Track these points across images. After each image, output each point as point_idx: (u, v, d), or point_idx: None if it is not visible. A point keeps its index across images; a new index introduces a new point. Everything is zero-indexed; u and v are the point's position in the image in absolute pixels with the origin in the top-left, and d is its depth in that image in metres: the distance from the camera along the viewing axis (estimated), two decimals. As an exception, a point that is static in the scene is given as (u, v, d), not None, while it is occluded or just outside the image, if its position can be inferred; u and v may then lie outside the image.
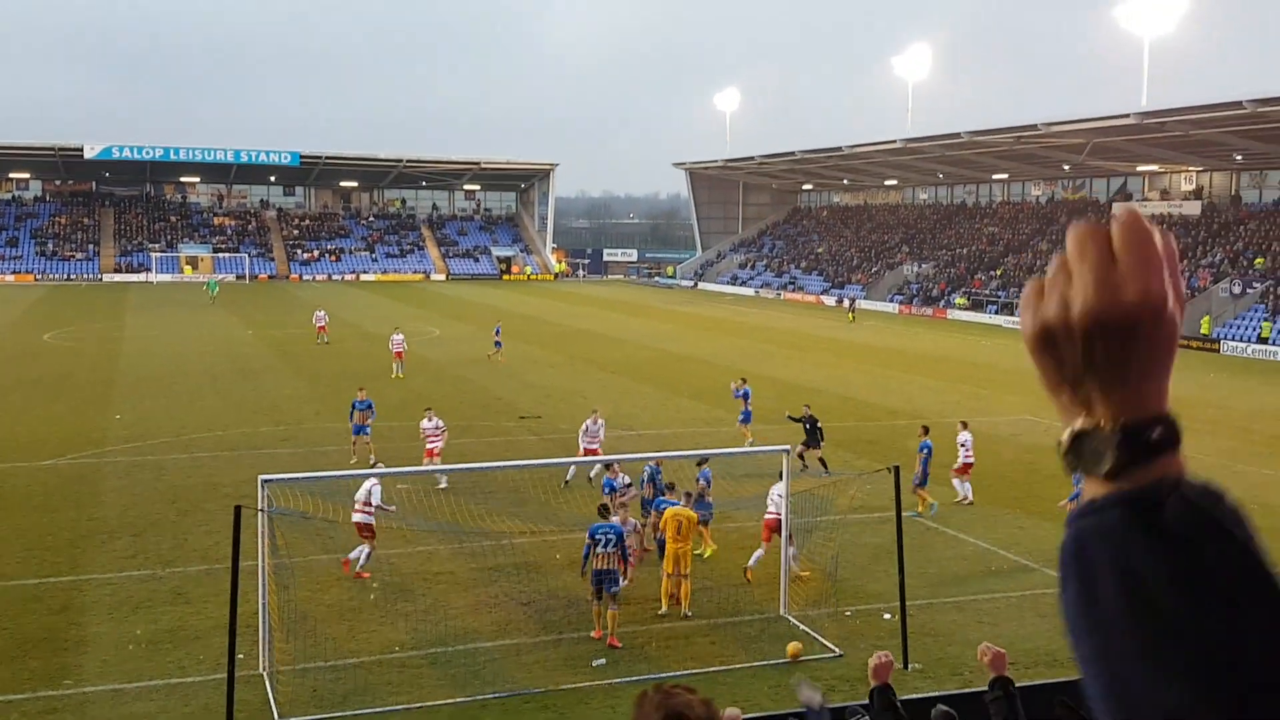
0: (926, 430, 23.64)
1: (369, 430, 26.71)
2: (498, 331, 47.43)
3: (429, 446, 24.81)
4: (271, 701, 13.45)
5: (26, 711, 13.32)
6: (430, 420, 25.24)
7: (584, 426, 25.28)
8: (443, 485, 22.85)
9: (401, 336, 42.09)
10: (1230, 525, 1.06)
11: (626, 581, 16.71)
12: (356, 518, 18.30)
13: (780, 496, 17.91)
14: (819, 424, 26.69)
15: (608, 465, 21.13)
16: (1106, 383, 1.14)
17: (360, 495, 18.41)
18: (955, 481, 23.99)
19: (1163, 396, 1.16)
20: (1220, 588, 1.03)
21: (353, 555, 18.19)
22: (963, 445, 24.00)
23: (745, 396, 29.74)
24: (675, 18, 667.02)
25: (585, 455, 23.78)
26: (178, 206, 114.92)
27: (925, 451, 22.92)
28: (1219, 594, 1.03)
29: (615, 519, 16.47)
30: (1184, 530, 1.06)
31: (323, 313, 54.15)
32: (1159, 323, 1.13)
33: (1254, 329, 59.02)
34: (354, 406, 27.11)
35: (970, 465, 24.06)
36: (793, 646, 15.27)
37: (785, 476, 17.95)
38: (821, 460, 25.98)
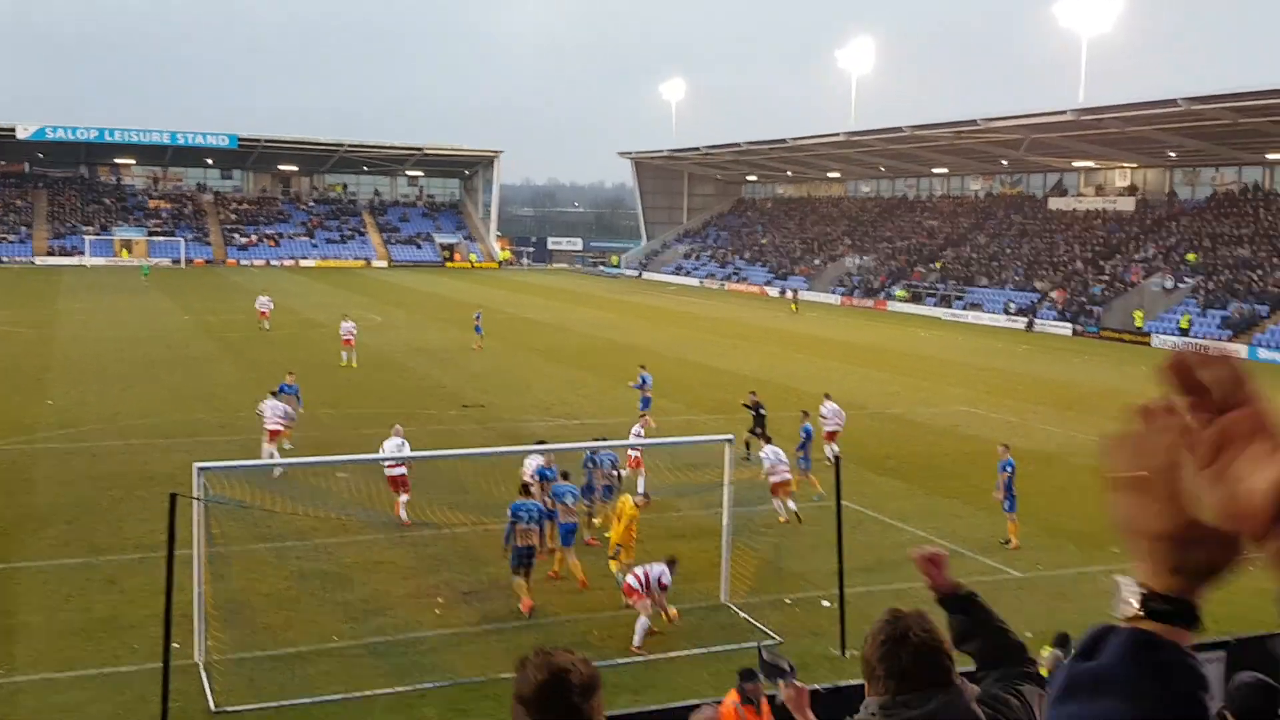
0: (806, 414, 25.05)
1: (293, 418, 26.42)
2: (478, 318, 47.97)
3: (390, 474, 21.34)
4: (207, 691, 13.29)
5: (-46, 702, 13.05)
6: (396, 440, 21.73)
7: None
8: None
9: (352, 324, 41.74)
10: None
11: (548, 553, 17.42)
12: (393, 472, 20.79)
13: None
14: (763, 410, 27.01)
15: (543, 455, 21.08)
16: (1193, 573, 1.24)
17: (389, 448, 20.94)
18: (828, 447, 25.52)
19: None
20: None
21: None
22: (824, 417, 26.53)
23: (644, 383, 30.39)
24: (620, 7, 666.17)
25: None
26: (112, 189, 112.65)
27: (805, 435, 24.00)
28: None
29: (536, 499, 17.18)
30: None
31: (267, 298, 53.40)
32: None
33: (1189, 323, 60.34)
34: (281, 390, 27.10)
35: (835, 433, 26.52)
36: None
37: (728, 466, 18.07)
38: (746, 444, 25.90)
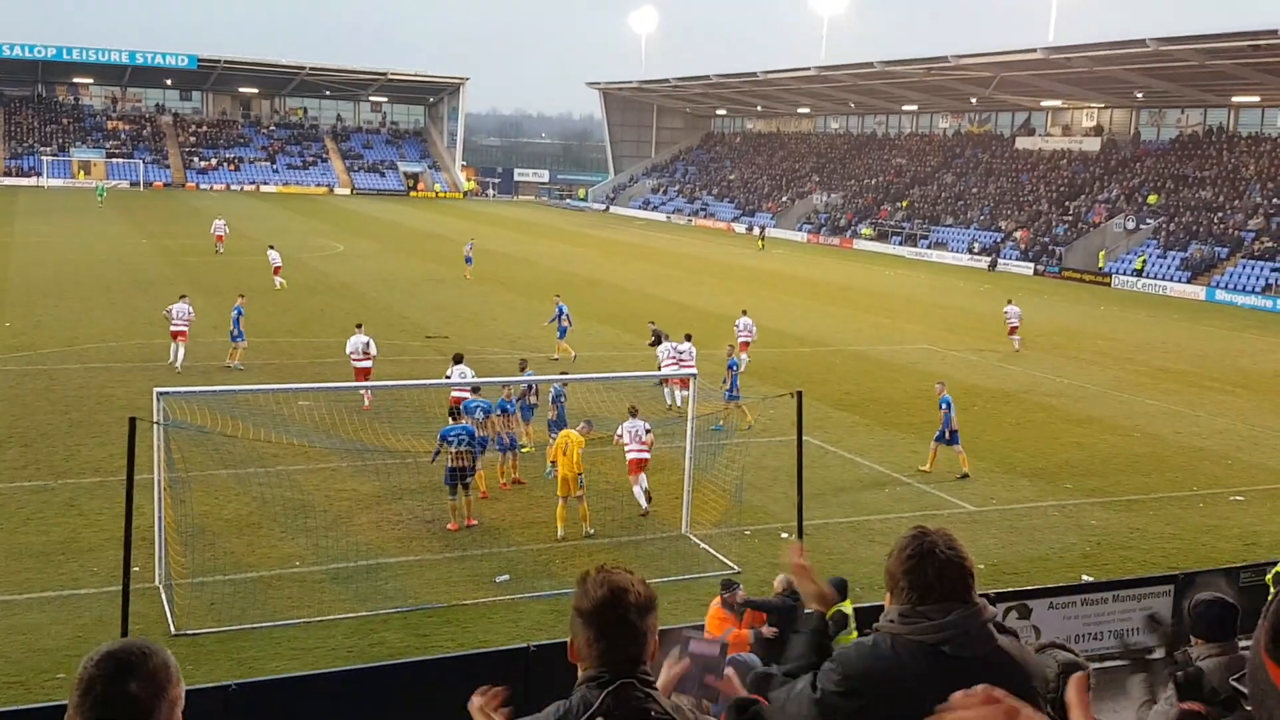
0: (733, 349, 26.10)
1: (244, 337, 27.75)
2: (469, 247, 48.67)
3: (357, 367, 24.72)
4: (168, 614, 13.32)
5: (-89, 623, 13.01)
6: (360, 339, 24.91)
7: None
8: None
9: (277, 254, 42.95)
10: None
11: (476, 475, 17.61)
12: (360, 365, 24.37)
13: (643, 432, 18.20)
14: (661, 334, 27.94)
15: (504, 385, 21.11)
16: None
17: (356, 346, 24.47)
18: (743, 355, 28.28)
19: None
20: None
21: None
22: (739, 329, 30.16)
23: (560, 313, 30.80)
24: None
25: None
26: (70, 109, 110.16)
27: (731, 368, 24.65)
28: None
29: (466, 421, 17.73)
30: None
31: (222, 221, 53.00)
32: None
33: (1146, 264, 60.93)
34: (237, 313, 27.82)
35: (747, 344, 29.81)
36: None
37: (691, 400, 18.15)
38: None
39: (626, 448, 18.20)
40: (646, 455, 18.13)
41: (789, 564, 3.70)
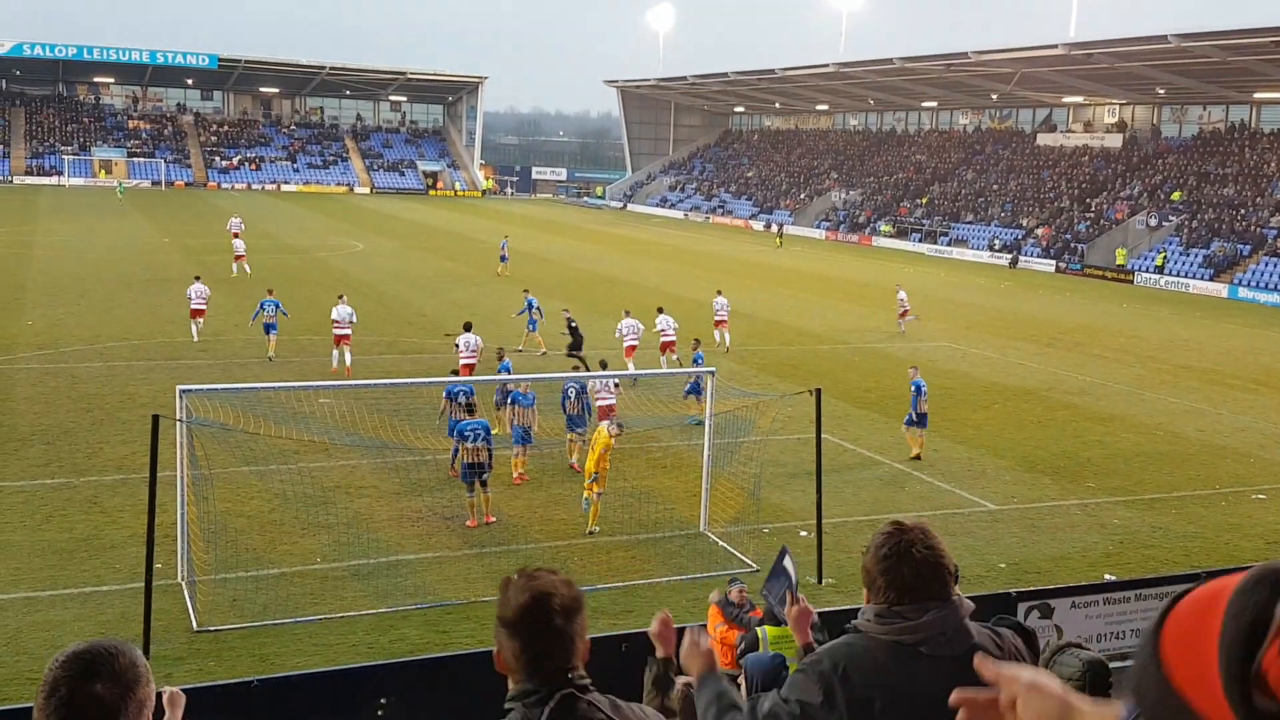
0: (699, 343, 26.50)
1: (277, 330, 28.90)
2: (504, 246, 49.31)
3: (337, 333, 27.37)
4: (190, 610, 13.40)
5: (-63, 619, 13.12)
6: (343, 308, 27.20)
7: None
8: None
9: (240, 242, 45.50)
10: None
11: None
12: (340, 331, 27.10)
13: (612, 385, 21.50)
14: (576, 327, 28.67)
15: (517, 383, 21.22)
16: None
17: (341, 316, 27.19)
18: (717, 332, 31.39)
19: None
20: None
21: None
22: (716, 309, 32.51)
23: (530, 306, 31.59)
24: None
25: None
26: (91, 108, 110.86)
27: (698, 362, 24.82)
28: None
29: (480, 416, 17.98)
30: None
31: (238, 220, 53.82)
32: None
33: (1168, 262, 60.53)
34: (261, 306, 29.03)
35: (723, 321, 32.21)
36: None
37: (710, 397, 18.13)
38: (582, 359, 27.47)
39: (597, 395, 21.03)
40: (613, 402, 21.23)
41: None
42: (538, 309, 31.55)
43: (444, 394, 19.81)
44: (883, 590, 3.07)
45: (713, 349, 30.15)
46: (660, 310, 29.78)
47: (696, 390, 23.76)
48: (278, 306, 29.05)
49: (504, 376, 21.72)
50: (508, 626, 2.81)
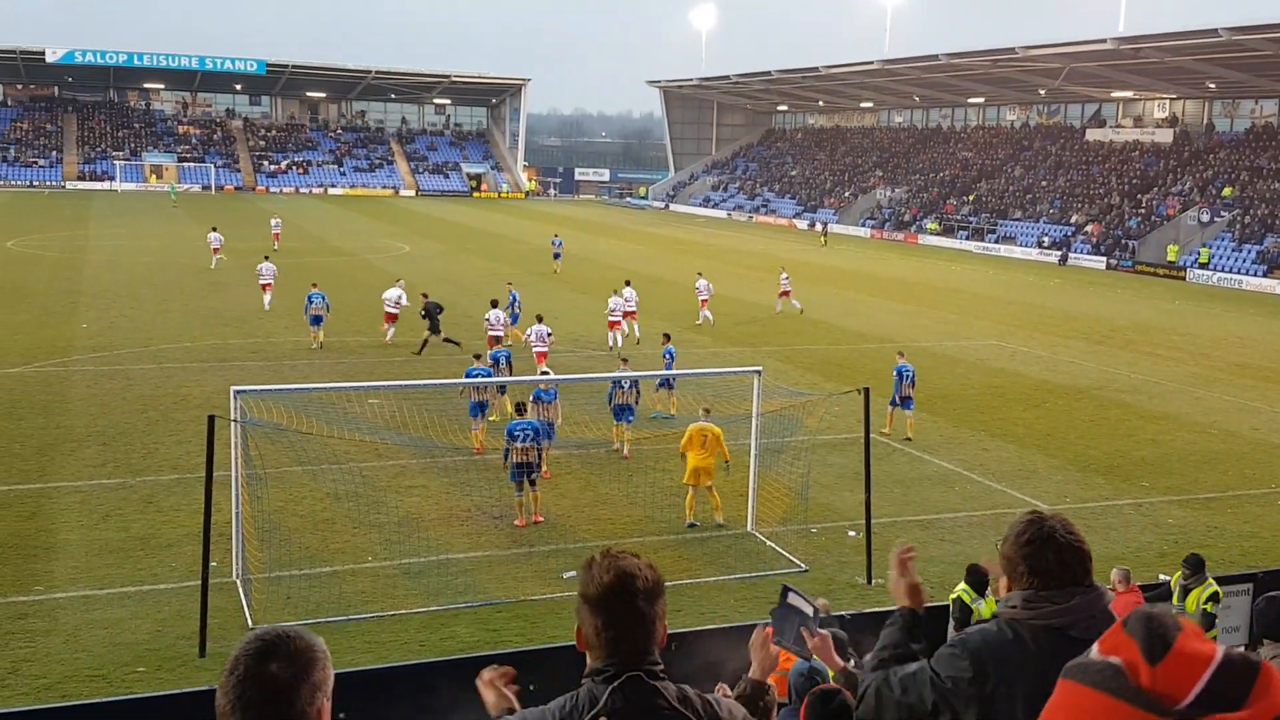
0: (668, 338, 26.39)
1: (323, 321, 30.60)
2: (557, 244, 50.60)
3: (388, 311, 31.15)
4: (245, 607, 13.57)
5: (-2, 616, 13.38)
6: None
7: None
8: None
9: (218, 236, 47.00)
10: None
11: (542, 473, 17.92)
12: (390, 310, 31.15)
13: (546, 334, 26.19)
14: (437, 311, 30.37)
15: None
16: None
17: (391, 295, 31.24)
18: (706, 312, 35.54)
19: None
20: None
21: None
22: (699, 289, 35.87)
23: (514, 300, 32.59)
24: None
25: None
26: (141, 114, 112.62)
27: (668, 357, 25.11)
28: None
29: (530, 416, 17.92)
30: None
31: (277, 220, 56.76)
32: None
33: (1220, 257, 59.59)
34: (309, 299, 30.67)
35: (706, 300, 35.53)
36: None
37: (756, 397, 18.08)
38: (448, 339, 30.03)
39: (533, 346, 25.43)
40: (544, 349, 25.47)
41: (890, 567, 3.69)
42: (519, 304, 32.51)
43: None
44: (1025, 576, 3.11)
45: (696, 326, 35.29)
46: (699, 275, 35.49)
47: (669, 385, 23.88)
48: (324, 299, 30.57)
49: (539, 377, 21.61)
50: (590, 604, 2.86)
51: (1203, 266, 58.60)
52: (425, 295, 31.15)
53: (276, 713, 2.41)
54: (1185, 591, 12.27)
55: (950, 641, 3.19)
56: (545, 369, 23.38)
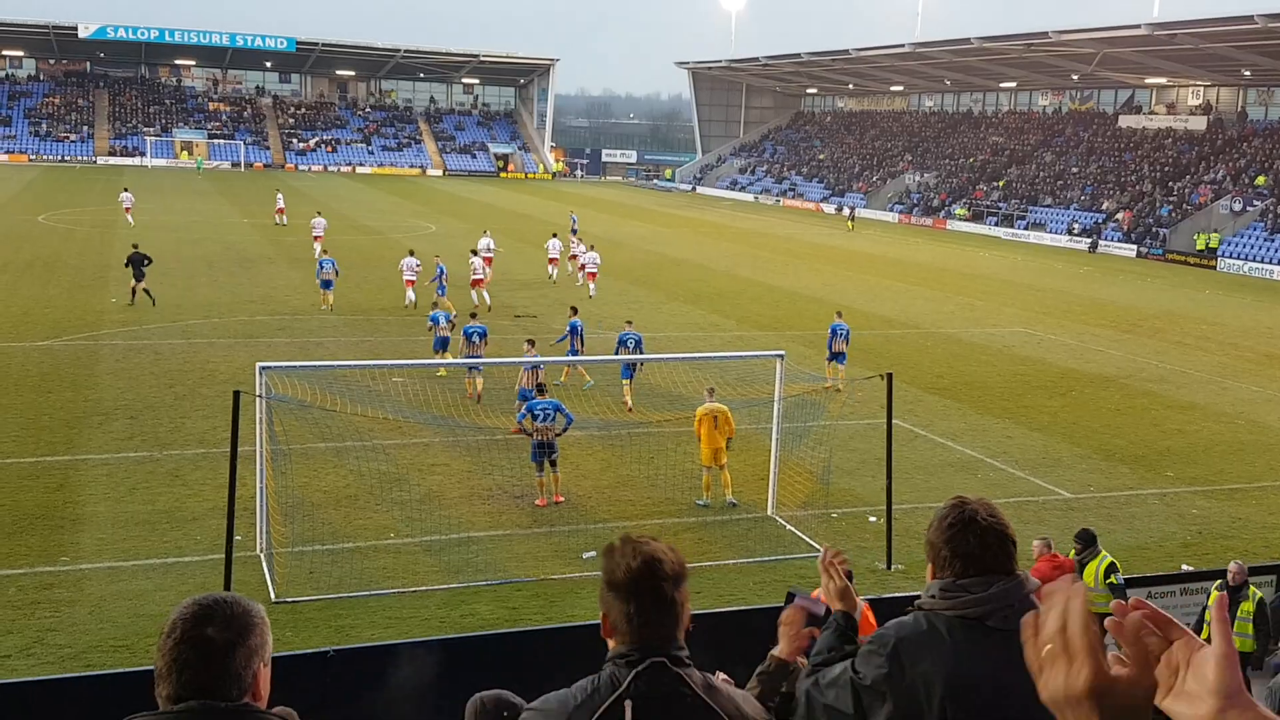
0: (575, 311, 25.86)
1: (333, 285, 32.32)
2: (574, 221, 50.72)
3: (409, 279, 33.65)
4: (268, 581, 13.71)
5: (24, 586, 13.56)
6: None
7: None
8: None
9: (129, 196, 52.78)
10: None
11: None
12: (409, 277, 33.61)
13: (415, 265, 33.02)
14: (143, 262, 31.61)
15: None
16: None
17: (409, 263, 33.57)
18: (590, 284, 36.76)
19: None
20: None
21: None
22: (589, 262, 37.76)
23: (441, 273, 33.37)
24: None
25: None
26: (172, 90, 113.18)
27: (574, 330, 24.84)
28: None
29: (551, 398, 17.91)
30: None
31: (280, 195, 57.27)
32: None
33: (1252, 246, 58.93)
34: (320, 265, 32.98)
35: (594, 273, 37.42)
36: None
37: (779, 380, 18.06)
38: (146, 291, 31.67)
39: (586, 268, 31.56)
40: (595, 271, 33.65)
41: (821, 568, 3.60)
42: (446, 275, 33.07)
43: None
44: (948, 561, 3.07)
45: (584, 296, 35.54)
46: (591, 247, 37.65)
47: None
48: (334, 264, 32.64)
49: (536, 359, 21.58)
50: (616, 589, 2.87)
51: (1212, 252, 58.68)
52: (135, 246, 32.75)
53: (212, 675, 2.47)
54: (1082, 566, 12.49)
55: (869, 638, 3.14)
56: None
